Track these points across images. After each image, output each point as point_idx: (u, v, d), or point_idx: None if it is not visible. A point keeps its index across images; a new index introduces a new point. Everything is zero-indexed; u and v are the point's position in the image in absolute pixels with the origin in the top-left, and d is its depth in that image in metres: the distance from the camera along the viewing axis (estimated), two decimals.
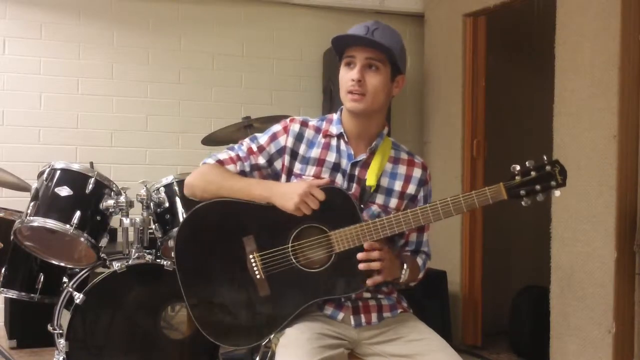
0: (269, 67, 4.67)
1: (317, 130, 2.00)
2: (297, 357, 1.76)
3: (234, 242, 1.91)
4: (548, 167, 1.80)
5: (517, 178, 1.81)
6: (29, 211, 2.73)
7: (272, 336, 1.93)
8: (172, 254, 2.43)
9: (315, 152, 1.97)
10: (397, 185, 1.98)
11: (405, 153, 2.04)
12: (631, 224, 3.10)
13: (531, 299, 3.93)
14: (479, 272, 4.24)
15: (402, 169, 2.00)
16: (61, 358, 2.59)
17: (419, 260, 2.07)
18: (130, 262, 2.70)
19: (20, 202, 3.20)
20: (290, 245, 1.88)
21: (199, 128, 4.26)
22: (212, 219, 1.96)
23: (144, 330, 2.69)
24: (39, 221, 2.69)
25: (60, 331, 2.67)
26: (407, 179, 1.99)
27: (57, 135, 4.22)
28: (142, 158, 4.39)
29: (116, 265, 2.66)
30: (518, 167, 1.81)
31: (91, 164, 3.21)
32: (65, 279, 2.95)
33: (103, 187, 2.79)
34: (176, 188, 2.90)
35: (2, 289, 2.89)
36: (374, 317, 1.96)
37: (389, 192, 1.97)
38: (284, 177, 1.98)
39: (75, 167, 2.79)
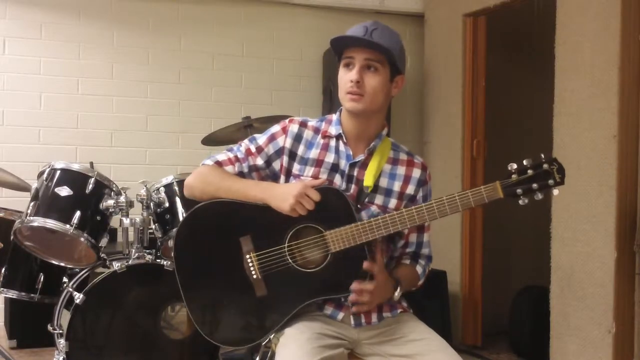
0: (269, 67, 4.67)
1: (316, 130, 1.99)
2: (297, 357, 1.75)
3: (231, 242, 1.91)
4: (546, 166, 1.76)
5: (514, 176, 1.77)
6: (29, 211, 2.73)
7: (272, 336, 1.93)
8: (172, 254, 2.43)
9: (313, 153, 1.96)
10: (396, 186, 1.97)
11: (405, 153, 2.03)
12: (631, 224, 3.09)
13: (531, 299, 3.92)
14: (479, 272, 4.23)
15: (401, 170, 1.99)
16: (61, 358, 2.60)
17: (419, 269, 2.06)
18: (130, 262, 2.70)
19: (20, 202, 3.20)
20: (286, 245, 1.88)
21: (199, 128, 4.26)
22: (210, 220, 1.97)
23: (144, 330, 2.69)
24: (39, 221, 2.70)
25: (60, 331, 2.67)
26: (406, 180, 1.98)
27: (57, 135, 4.22)
28: (142, 158, 4.38)
29: (116, 265, 2.66)
30: (515, 166, 1.78)
31: (91, 164, 3.22)
32: (65, 279, 2.96)
33: (103, 187, 2.80)
34: (176, 188, 2.91)
35: (2, 289, 2.89)
36: (373, 317, 1.96)
37: (388, 193, 1.96)
38: (282, 177, 1.98)
39: (75, 167, 2.80)
